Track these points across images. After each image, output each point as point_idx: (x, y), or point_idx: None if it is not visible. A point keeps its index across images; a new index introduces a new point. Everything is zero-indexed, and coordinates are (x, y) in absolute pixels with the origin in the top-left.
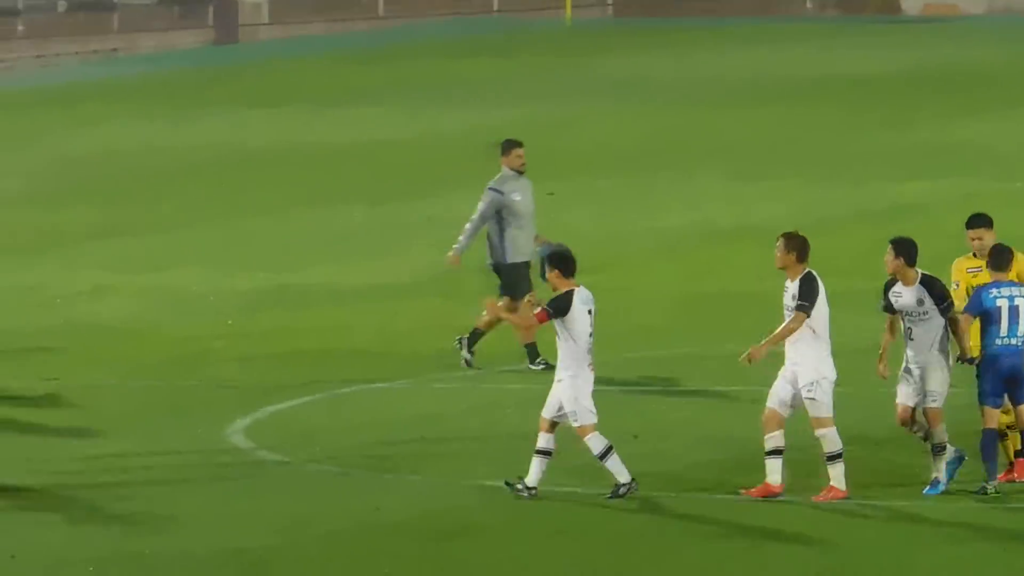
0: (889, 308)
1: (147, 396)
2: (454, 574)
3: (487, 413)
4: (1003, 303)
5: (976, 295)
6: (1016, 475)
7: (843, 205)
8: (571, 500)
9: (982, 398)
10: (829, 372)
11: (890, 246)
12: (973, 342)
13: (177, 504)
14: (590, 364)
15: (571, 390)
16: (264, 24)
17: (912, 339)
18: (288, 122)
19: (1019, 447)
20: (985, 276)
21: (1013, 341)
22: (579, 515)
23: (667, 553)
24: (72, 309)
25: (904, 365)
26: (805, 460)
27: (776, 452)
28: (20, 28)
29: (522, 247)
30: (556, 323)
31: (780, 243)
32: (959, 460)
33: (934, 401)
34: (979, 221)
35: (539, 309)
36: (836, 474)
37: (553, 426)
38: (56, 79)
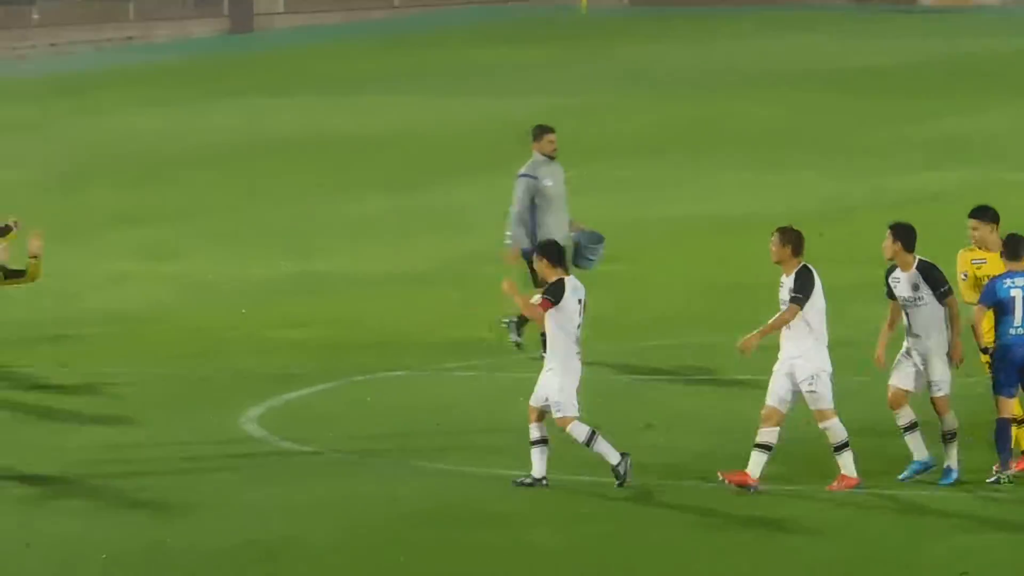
0: (891, 294)
1: (163, 384)
2: (472, 563)
3: (503, 402)
4: (1017, 293)
5: (990, 285)
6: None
7: (857, 195)
8: (586, 489)
9: (996, 388)
10: (826, 365)
11: (889, 231)
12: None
13: (193, 493)
14: (578, 354)
15: (558, 381)
16: (279, 13)
17: (911, 326)
18: (304, 111)
19: None
20: (990, 267)
21: None
22: (594, 504)
23: (681, 542)
24: (87, 297)
25: (904, 349)
26: (813, 452)
27: (765, 447)
28: (35, 17)
29: (553, 233)
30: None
31: (775, 237)
32: (924, 467)
33: (939, 390)
34: (975, 212)
35: (540, 299)
36: (846, 463)
37: (542, 415)
38: (71, 67)
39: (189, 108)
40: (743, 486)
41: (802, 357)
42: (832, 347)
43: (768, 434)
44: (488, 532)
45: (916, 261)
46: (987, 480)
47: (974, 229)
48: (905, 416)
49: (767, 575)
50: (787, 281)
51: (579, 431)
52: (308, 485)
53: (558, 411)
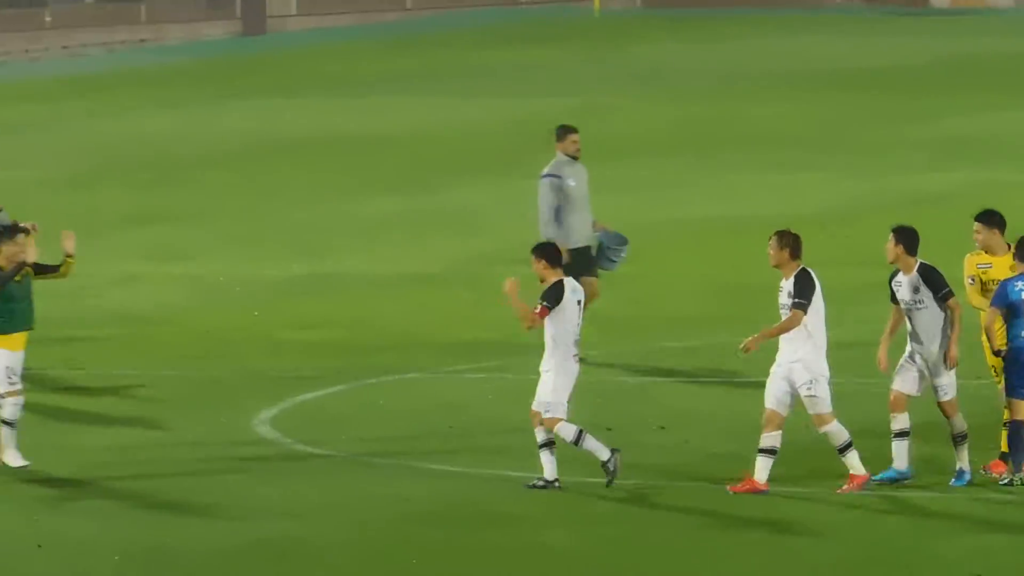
0: (894, 299)
1: (174, 386)
2: (482, 564)
3: (514, 403)
4: None
5: (1001, 288)
6: None
7: (870, 196)
8: (598, 490)
9: (1010, 391)
10: (824, 370)
11: (892, 234)
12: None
13: (204, 494)
14: (575, 355)
15: (552, 382)
16: (292, 16)
17: (913, 330)
18: (316, 112)
19: None
20: (995, 271)
21: None
22: (606, 505)
23: (693, 543)
24: (100, 297)
25: (907, 353)
26: (820, 450)
27: (770, 451)
28: (47, 19)
29: (576, 233)
30: None
31: (773, 241)
32: (899, 477)
33: (945, 394)
34: (980, 216)
35: (539, 307)
36: (852, 462)
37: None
38: (83, 69)
39: (201, 109)
40: (755, 492)
41: (800, 361)
42: (837, 348)
43: (771, 438)
44: (500, 533)
45: (918, 264)
46: (1000, 482)
47: (978, 232)
48: (900, 422)
49: None
50: (786, 285)
51: (566, 431)
52: (319, 486)
53: (547, 412)
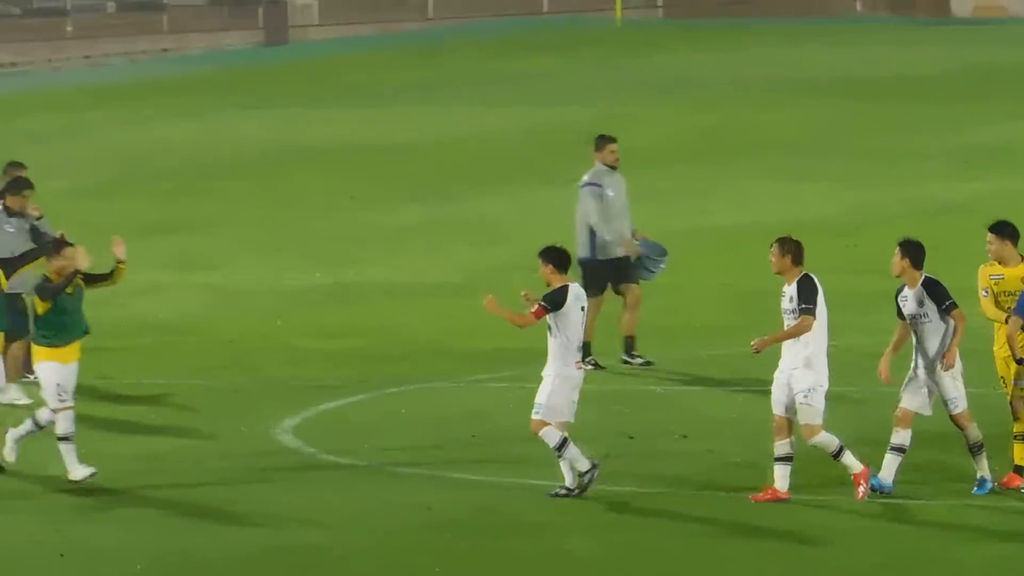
0: (901, 314)
1: (197, 395)
2: (505, 572)
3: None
4: None
5: (1023, 297)
6: None
7: (890, 204)
8: (620, 498)
9: None
10: (824, 379)
11: (898, 247)
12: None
13: (227, 502)
14: (577, 362)
15: (549, 386)
16: (314, 25)
17: (919, 343)
18: (338, 121)
19: None
20: (1007, 283)
21: None
22: (628, 513)
23: (715, 551)
24: (123, 307)
25: (912, 368)
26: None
27: (786, 459)
28: (69, 29)
29: (614, 243)
30: (548, 318)
31: (774, 248)
32: (880, 490)
33: (956, 407)
34: (992, 227)
35: (535, 306)
36: (849, 462)
37: (561, 425)
38: (105, 79)
39: (223, 119)
40: (777, 501)
41: (800, 368)
42: (854, 355)
43: (784, 446)
44: (522, 541)
45: (922, 278)
46: (1021, 490)
47: (991, 244)
48: (900, 437)
49: None
50: (789, 291)
51: (550, 437)
52: (342, 495)
53: (536, 413)
